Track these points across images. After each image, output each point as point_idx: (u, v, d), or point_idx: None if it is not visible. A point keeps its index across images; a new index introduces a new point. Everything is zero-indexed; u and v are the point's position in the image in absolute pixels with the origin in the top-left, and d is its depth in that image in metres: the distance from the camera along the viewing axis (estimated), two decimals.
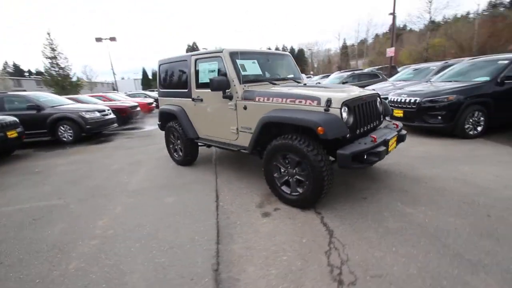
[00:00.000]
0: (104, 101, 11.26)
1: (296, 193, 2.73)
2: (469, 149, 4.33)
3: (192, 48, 43.18)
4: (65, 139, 7.28)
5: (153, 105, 13.09)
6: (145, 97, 16.48)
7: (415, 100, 5.23)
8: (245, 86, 3.24)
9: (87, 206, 3.21)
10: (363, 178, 3.41)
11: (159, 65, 4.59)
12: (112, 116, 8.31)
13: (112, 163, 5.05)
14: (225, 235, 2.40)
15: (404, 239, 2.16)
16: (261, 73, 3.57)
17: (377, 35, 49.97)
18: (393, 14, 14.63)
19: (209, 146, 4.17)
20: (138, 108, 11.07)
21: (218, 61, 3.44)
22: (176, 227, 2.58)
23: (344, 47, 54.73)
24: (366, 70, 13.57)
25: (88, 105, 8.60)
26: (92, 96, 11.65)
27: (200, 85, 3.78)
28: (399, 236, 2.20)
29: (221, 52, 3.37)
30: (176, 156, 4.57)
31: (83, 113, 7.33)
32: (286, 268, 1.93)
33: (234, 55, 3.34)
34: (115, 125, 8.46)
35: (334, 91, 2.82)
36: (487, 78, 5.06)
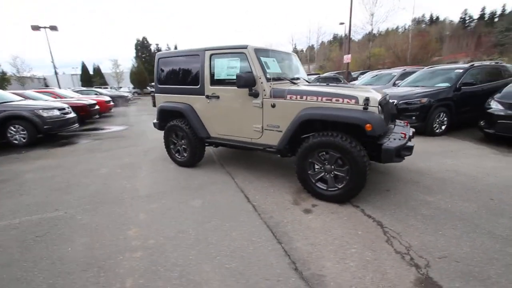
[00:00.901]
0: (54, 97, 9.80)
1: (334, 189, 2.84)
2: (443, 145, 5.02)
3: (142, 43, 40.11)
4: (16, 142, 6.14)
5: (111, 103, 11.89)
6: (96, 94, 14.87)
7: (393, 102, 5.84)
8: (270, 84, 3.23)
9: (100, 216, 2.80)
10: (372, 172, 3.69)
11: (158, 59, 4.24)
12: (73, 115, 7.31)
13: (97, 167, 4.47)
14: (280, 234, 2.37)
15: (443, 223, 2.44)
16: (281, 71, 3.59)
17: (323, 42, 53.75)
18: (349, 27, 15.96)
19: (217, 146, 4.01)
20: (97, 107, 9.93)
21: (240, 58, 3.35)
22: (223, 230, 2.44)
23: (295, 52, 57.45)
24: (326, 74, 14.59)
25: (45, 102, 7.41)
26: (39, 91, 10.00)
27: (215, 82, 3.62)
28: (438, 221, 2.47)
29: (245, 48, 3.29)
30: (179, 157, 4.27)
31: (41, 111, 6.28)
32: (361, 259, 2.01)
33: (258, 51, 3.29)
34: (76, 125, 7.46)
35: (362, 91, 3.01)
36: (448, 84, 5.94)
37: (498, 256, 1.98)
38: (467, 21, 55.12)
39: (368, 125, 2.51)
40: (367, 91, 3.09)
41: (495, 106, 4.99)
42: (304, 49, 54.47)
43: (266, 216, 2.68)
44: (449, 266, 1.90)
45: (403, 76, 8.41)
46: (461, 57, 30.99)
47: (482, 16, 54.18)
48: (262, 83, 3.19)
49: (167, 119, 4.28)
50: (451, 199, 2.88)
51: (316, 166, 2.95)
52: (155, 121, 4.56)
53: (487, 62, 7.39)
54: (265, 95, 3.20)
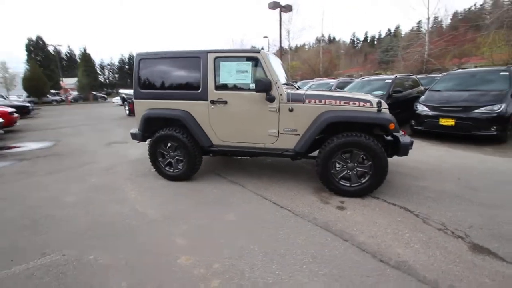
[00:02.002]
0: None
1: (358, 184, 3.08)
2: None
3: (36, 43, 32.82)
4: None
5: (16, 115, 9.39)
6: None
7: None
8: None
9: (121, 250, 2.23)
10: None
11: (139, 60, 3.68)
12: None
13: (58, 194, 3.50)
14: (338, 232, 2.43)
15: (448, 201, 2.96)
16: (285, 75, 3.67)
17: None
18: (280, 46, 17.22)
19: (219, 155, 3.76)
20: (1, 120, 7.68)
21: (252, 62, 3.27)
22: (284, 239, 2.33)
23: None
24: None
25: None
26: None
27: (221, 86, 3.41)
28: (443, 200, 2.99)
29: (258, 53, 3.25)
30: (171, 170, 3.78)
31: None
32: (419, 240, 2.27)
33: (267, 56, 3.29)
34: None
35: (367, 95, 3.39)
36: (383, 92, 7.20)
37: (500, 220, 2.56)
38: (356, 42, 67.57)
39: (391, 124, 2.87)
40: (366, 95, 3.50)
41: (421, 108, 6.34)
42: None
43: (310, 218, 2.69)
44: (479, 232, 2.36)
45: (338, 85, 9.71)
46: (355, 71, 37.73)
47: (366, 38, 67.38)
48: (278, 87, 3.21)
49: (152, 128, 3.75)
50: (436, 183, 3.52)
51: (337, 165, 3.14)
52: (134, 131, 3.91)
53: (403, 75, 9.31)
54: (281, 99, 3.22)
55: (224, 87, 3.42)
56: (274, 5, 14.77)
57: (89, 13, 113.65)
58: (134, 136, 3.90)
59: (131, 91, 12.60)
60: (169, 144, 3.71)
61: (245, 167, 4.37)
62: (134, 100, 3.78)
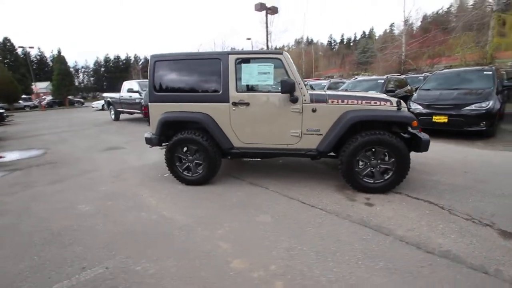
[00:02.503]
0: None
1: (381, 180, 3.19)
2: None
3: (4, 44, 30.46)
4: None
5: None
6: None
7: None
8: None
9: (166, 259, 2.15)
10: None
11: (154, 62, 3.57)
12: None
13: (68, 205, 3.30)
14: (376, 228, 2.50)
15: (463, 193, 3.14)
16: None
17: None
18: (267, 48, 17.33)
19: (234, 157, 3.73)
20: None
21: (274, 63, 3.29)
22: (329, 237, 2.37)
23: None
24: None
25: None
26: None
27: (243, 88, 3.39)
28: (459, 193, 3.16)
29: (281, 54, 3.28)
30: (189, 175, 3.69)
31: None
32: (453, 231, 2.39)
33: (289, 58, 3.33)
34: None
35: (383, 95, 3.52)
36: (377, 91, 7.49)
37: None
38: (333, 44, 69.63)
39: (414, 122, 3.00)
40: (382, 95, 3.64)
41: (414, 106, 6.67)
42: None
43: (344, 216, 2.75)
44: (502, 220, 2.53)
45: (331, 85, 9.98)
46: (334, 72, 38.92)
47: (342, 40, 69.62)
48: (301, 88, 3.25)
49: (168, 132, 3.65)
50: (447, 177, 3.71)
51: (360, 163, 3.23)
52: (149, 135, 3.78)
53: (392, 75, 9.74)
54: (305, 100, 3.27)
55: (246, 88, 3.41)
56: (260, 7, 14.91)
57: (60, 14, 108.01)
58: (149, 140, 3.77)
59: (117, 95, 12.19)
60: (186, 148, 3.63)
61: (258, 168, 4.36)
62: (148, 103, 3.66)
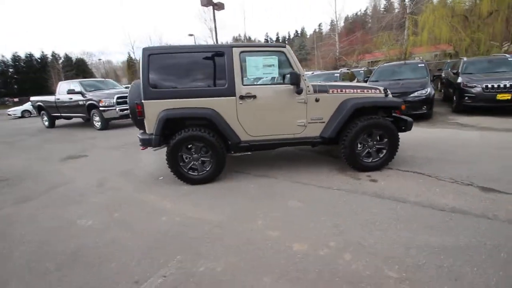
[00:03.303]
0: None
1: (377, 159, 3.62)
2: None
3: None
4: None
5: None
6: None
7: None
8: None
9: (224, 257, 2.09)
10: None
11: (148, 56, 3.28)
12: None
13: (65, 223, 2.84)
14: (393, 198, 2.85)
15: (453, 164, 3.70)
16: None
17: None
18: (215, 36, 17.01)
19: (237, 152, 3.73)
20: None
21: (278, 56, 3.39)
22: (363, 211, 2.62)
23: (131, 60, 52.97)
24: None
25: None
26: None
27: (249, 81, 3.40)
28: (446, 163, 3.79)
29: (284, 47, 3.40)
30: (195, 174, 3.53)
31: None
32: (451, 193, 2.91)
33: (291, 51, 3.48)
34: None
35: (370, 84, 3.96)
36: None
37: (481, 169, 3.48)
38: (269, 42, 72.28)
39: (403, 106, 3.49)
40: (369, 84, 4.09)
41: None
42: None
43: (361, 192, 3.05)
44: (478, 179, 3.15)
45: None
46: None
47: (277, 38, 72.82)
48: (305, 80, 3.44)
49: (167, 131, 3.42)
50: (417, 152, 4.39)
51: (359, 145, 3.61)
52: (145, 136, 3.47)
53: (343, 69, 10.72)
54: (309, 91, 3.46)
55: (252, 81, 3.43)
56: (207, 2, 14.59)
57: None
58: (146, 141, 3.45)
59: (51, 98, 10.42)
60: (189, 146, 3.47)
61: (254, 161, 4.42)
62: (143, 101, 3.35)
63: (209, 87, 3.39)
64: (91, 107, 9.10)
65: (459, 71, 7.84)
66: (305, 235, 2.30)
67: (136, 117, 3.57)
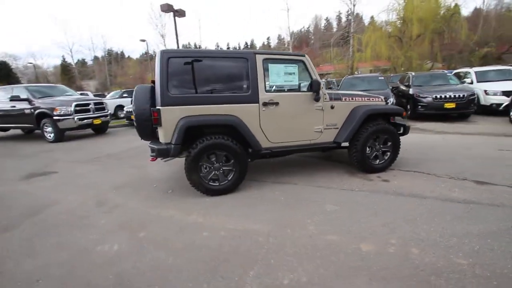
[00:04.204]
0: None
1: (383, 161, 3.95)
2: None
3: None
4: None
5: None
6: None
7: None
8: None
9: (308, 266, 2.02)
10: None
11: (167, 59, 3.03)
12: None
13: (80, 250, 2.38)
14: (412, 195, 3.15)
15: (453, 164, 4.31)
16: None
17: (96, 57, 47.37)
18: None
19: (255, 159, 3.68)
20: None
21: (298, 65, 3.48)
22: (397, 209, 2.82)
23: (65, 66, 47.24)
24: None
25: None
26: None
27: (271, 88, 3.40)
28: (436, 162, 4.32)
29: (304, 56, 3.51)
30: (216, 184, 3.33)
31: None
32: (454, 187, 3.34)
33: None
34: None
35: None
36: None
37: (470, 165, 4.08)
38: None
39: (404, 112, 3.90)
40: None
41: None
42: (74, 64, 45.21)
43: (382, 192, 3.29)
44: (470, 174, 3.67)
45: None
46: None
47: (228, 48, 73.68)
48: (323, 87, 3.59)
49: (186, 138, 3.19)
50: (406, 154, 4.89)
51: (368, 149, 3.89)
52: (159, 146, 3.15)
53: None
54: (325, 98, 3.63)
55: (274, 88, 3.44)
56: (168, 8, 14.01)
57: None
58: (164, 152, 3.12)
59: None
60: (213, 156, 3.29)
61: (260, 168, 4.38)
62: (160, 107, 3.06)
63: (232, 93, 3.29)
64: (41, 116, 7.84)
65: (410, 83, 9.09)
66: (363, 236, 2.37)
67: (145, 126, 3.26)
